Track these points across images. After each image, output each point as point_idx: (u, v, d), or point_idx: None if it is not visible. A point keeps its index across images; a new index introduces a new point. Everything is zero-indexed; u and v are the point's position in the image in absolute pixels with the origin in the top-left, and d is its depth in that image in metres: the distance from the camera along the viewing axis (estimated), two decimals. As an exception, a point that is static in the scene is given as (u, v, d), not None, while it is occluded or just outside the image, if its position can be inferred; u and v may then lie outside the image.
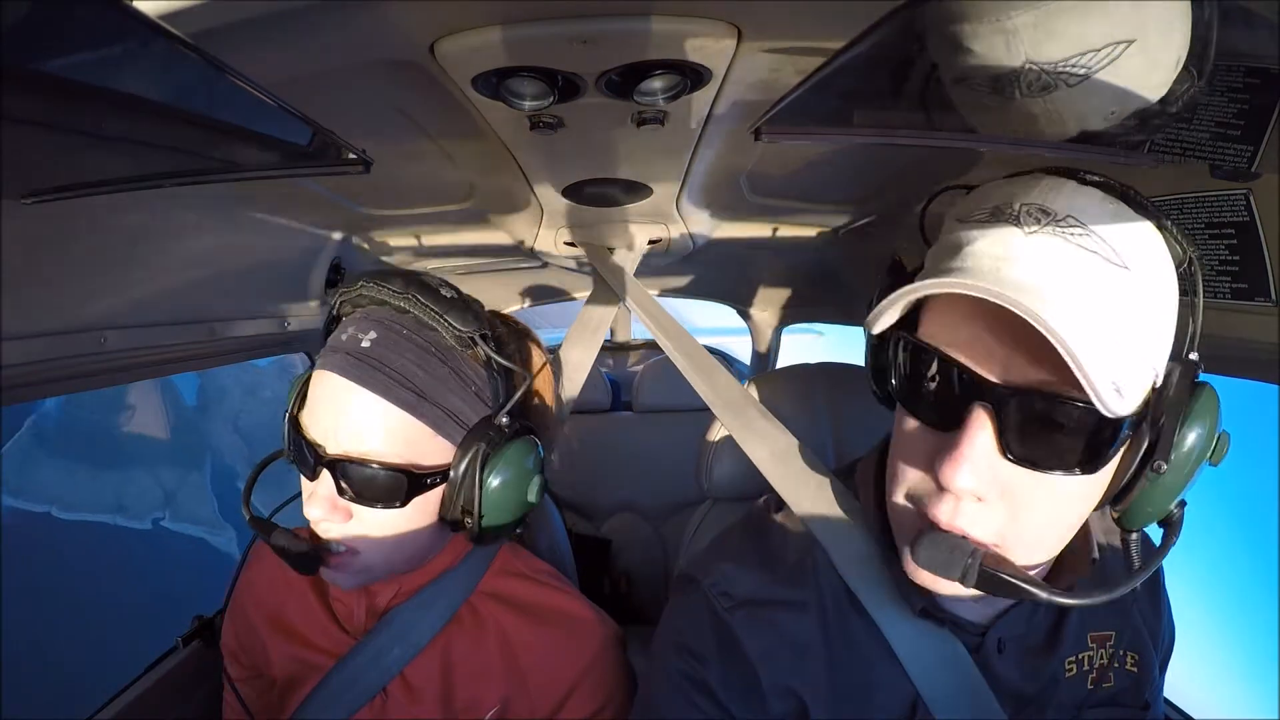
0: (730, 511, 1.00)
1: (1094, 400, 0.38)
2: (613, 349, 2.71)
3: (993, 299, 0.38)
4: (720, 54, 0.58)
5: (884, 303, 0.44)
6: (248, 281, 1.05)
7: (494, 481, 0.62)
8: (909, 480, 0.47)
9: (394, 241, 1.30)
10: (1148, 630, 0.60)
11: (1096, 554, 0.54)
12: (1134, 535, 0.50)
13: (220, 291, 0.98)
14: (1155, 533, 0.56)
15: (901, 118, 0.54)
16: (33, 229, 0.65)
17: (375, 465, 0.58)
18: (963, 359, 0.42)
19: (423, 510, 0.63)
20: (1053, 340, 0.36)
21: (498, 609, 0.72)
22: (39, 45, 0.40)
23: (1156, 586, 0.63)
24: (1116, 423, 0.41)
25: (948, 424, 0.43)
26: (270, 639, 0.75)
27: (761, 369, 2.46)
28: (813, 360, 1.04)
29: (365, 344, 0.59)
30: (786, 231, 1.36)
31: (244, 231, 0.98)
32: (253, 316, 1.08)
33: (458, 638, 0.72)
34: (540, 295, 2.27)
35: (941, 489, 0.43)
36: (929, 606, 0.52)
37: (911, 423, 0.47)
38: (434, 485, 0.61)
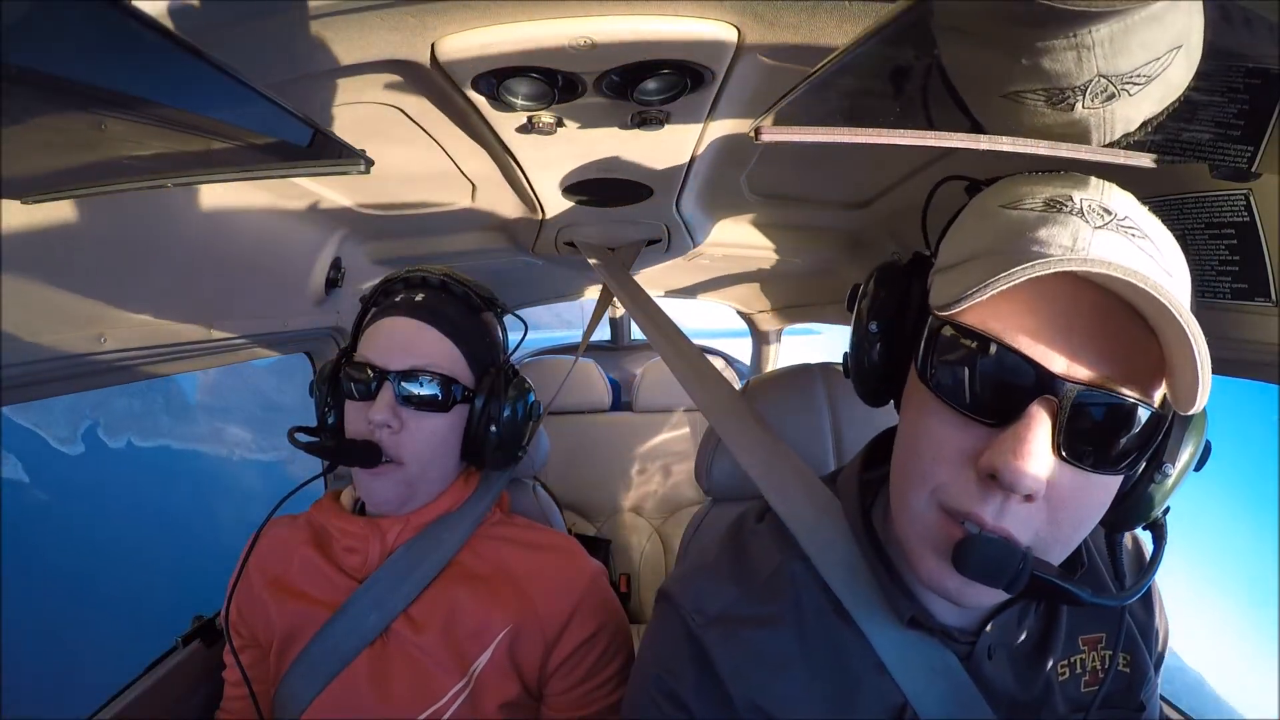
0: (730, 511, 1.00)
1: (1198, 395, 0.38)
2: (613, 349, 2.71)
3: (1129, 279, 0.36)
4: (720, 54, 0.58)
5: (968, 289, 0.38)
6: (248, 281, 1.05)
7: (510, 397, 0.81)
8: (938, 478, 0.44)
9: (394, 241, 1.30)
10: (1139, 631, 0.59)
11: (1085, 560, 0.55)
12: (1121, 538, 0.52)
13: (220, 291, 0.98)
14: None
15: (901, 118, 0.54)
16: (33, 229, 0.65)
17: (425, 374, 0.75)
18: (1026, 351, 0.41)
19: (453, 431, 0.78)
20: (1182, 321, 0.36)
21: (499, 546, 0.82)
22: (40, 45, 0.40)
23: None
24: (1160, 422, 0.42)
25: (1000, 418, 0.41)
26: (272, 600, 0.79)
27: (761, 369, 2.46)
28: (812, 360, 1.04)
29: (418, 299, 0.79)
30: (786, 231, 1.36)
31: (244, 231, 0.98)
32: (253, 316, 1.08)
33: (461, 576, 0.79)
34: (539, 295, 2.27)
35: (986, 487, 0.42)
36: (918, 615, 0.52)
37: (944, 417, 0.44)
38: (467, 399, 0.78)
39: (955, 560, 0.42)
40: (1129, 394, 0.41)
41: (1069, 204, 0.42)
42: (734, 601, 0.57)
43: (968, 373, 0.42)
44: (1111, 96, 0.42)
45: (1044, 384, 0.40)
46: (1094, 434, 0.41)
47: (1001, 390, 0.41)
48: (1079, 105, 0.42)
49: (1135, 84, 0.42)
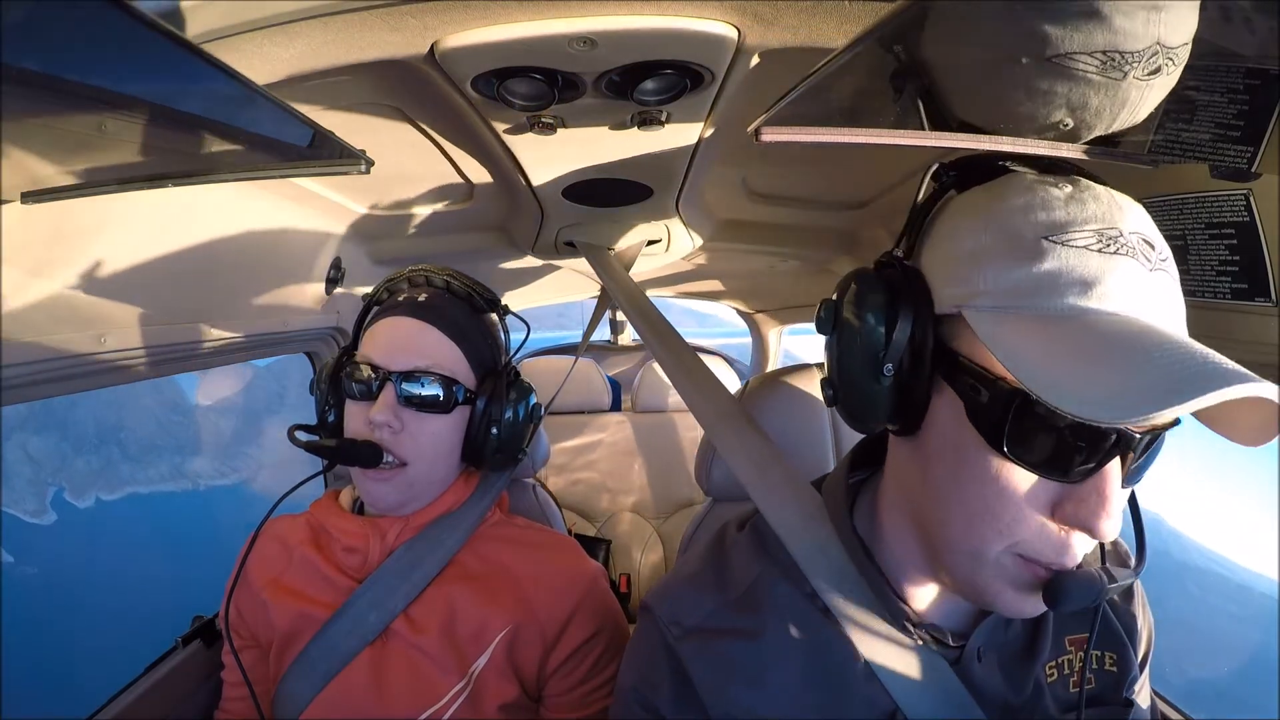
0: (730, 512, 1.00)
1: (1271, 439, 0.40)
2: (614, 350, 2.71)
3: None
4: (720, 54, 0.58)
5: (1104, 400, 0.36)
6: (248, 281, 1.05)
7: (512, 399, 0.81)
8: (1019, 535, 0.44)
9: (394, 241, 1.30)
10: (1125, 629, 0.60)
11: None
12: None
13: (220, 291, 0.98)
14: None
15: (901, 118, 0.54)
16: (33, 229, 0.65)
17: (427, 375, 0.74)
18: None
19: (454, 432, 0.78)
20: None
21: (499, 546, 0.82)
22: (41, 45, 0.40)
23: (1130, 584, 0.63)
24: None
25: (1076, 474, 0.42)
26: (271, 600, 0.80)
27: (761, 369, 2.46)
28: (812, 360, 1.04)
29: (421, 299, 0.79)
30: (786, 231, 1.36)
31: (244, 231, 0.98)
32: (253, 317, 1.08)
33: (460, 576, 0.79)
34: (539, 296, 2.27)
35: (1068, 534, 0.44)
36: (907, 619, 0.52)
37: (1019, 476, 0.43)
38: (469, 401, 0.78)
39: (1049, 599, 0.44)
40: (1168, 420, 0.43)
41: (1121, 240, 0.41)
42: (711, 613, 0.57)
43: (1054, 442, 0.42)
44: (1156, 70, 0.42)
45: (1123, 440, 0.42)
46: (1147, 463, 0.45)
47: (1085, 451, 0.42)
48: (1131, 74, 0.42)
49: (1172, 62, 0.42)
